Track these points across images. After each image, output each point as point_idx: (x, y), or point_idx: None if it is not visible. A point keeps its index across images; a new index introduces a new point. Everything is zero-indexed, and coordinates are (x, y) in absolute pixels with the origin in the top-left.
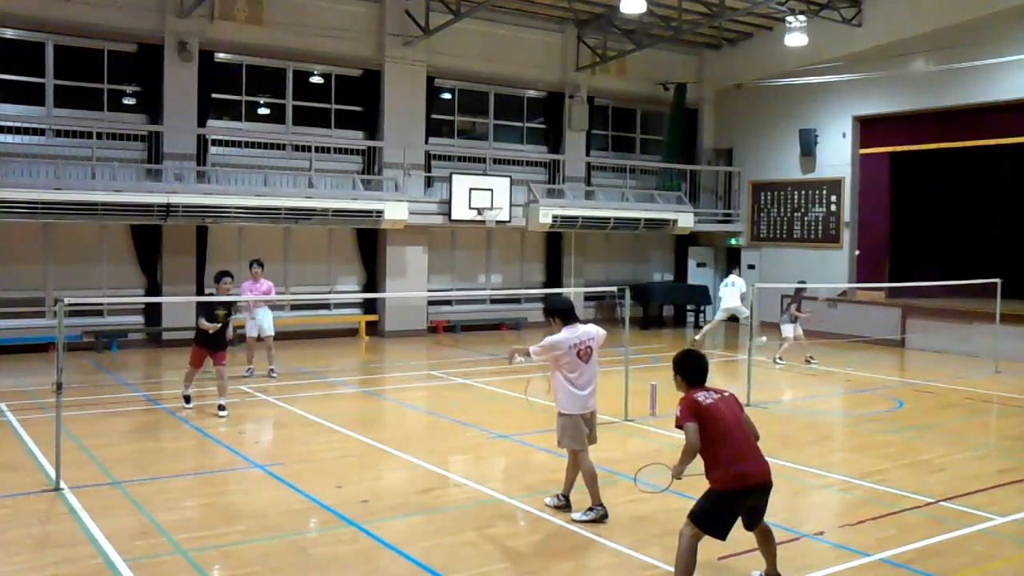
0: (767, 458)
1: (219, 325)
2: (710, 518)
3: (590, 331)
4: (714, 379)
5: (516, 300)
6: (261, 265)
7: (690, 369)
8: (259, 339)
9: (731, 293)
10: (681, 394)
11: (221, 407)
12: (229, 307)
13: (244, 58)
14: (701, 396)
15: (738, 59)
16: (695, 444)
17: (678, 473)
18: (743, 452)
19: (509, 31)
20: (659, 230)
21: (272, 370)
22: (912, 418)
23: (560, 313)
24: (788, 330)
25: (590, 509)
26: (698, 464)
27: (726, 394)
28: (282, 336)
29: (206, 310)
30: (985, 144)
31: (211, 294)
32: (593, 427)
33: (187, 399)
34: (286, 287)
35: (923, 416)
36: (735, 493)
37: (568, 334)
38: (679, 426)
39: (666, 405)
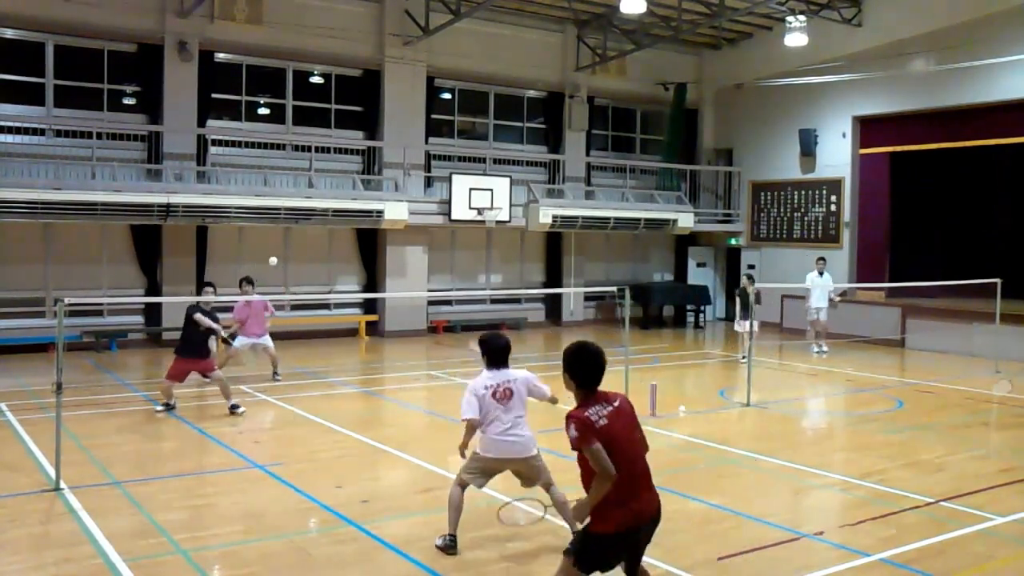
0: (766, 458)
1: (215, 327)
2: (596, 562)
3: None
4: (716, 379)
5: (516, 300)
6: (252, 283)
7: (582, 367)
8: (252, 348)
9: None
10: (571, 394)
11: (235, 406)
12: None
13: (244, 58)
14: (593, 415)
15: (738, 59)
16: (610, 468)
17: (582, 516)
18: (639, 484)
19: (509, 31)
20: (659, 230)
21: (276, 373)
22: (912, 418)
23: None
24: (745, 325)
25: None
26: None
27: (617, 403)
28: (282, 336)
29: (203, 312)
30: (985, 144)
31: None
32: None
33: (169, 407)
34: (286, 287)
35: (923, 416)
36: (627, 534)
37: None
38: (577, 448)
39: (666, 405)
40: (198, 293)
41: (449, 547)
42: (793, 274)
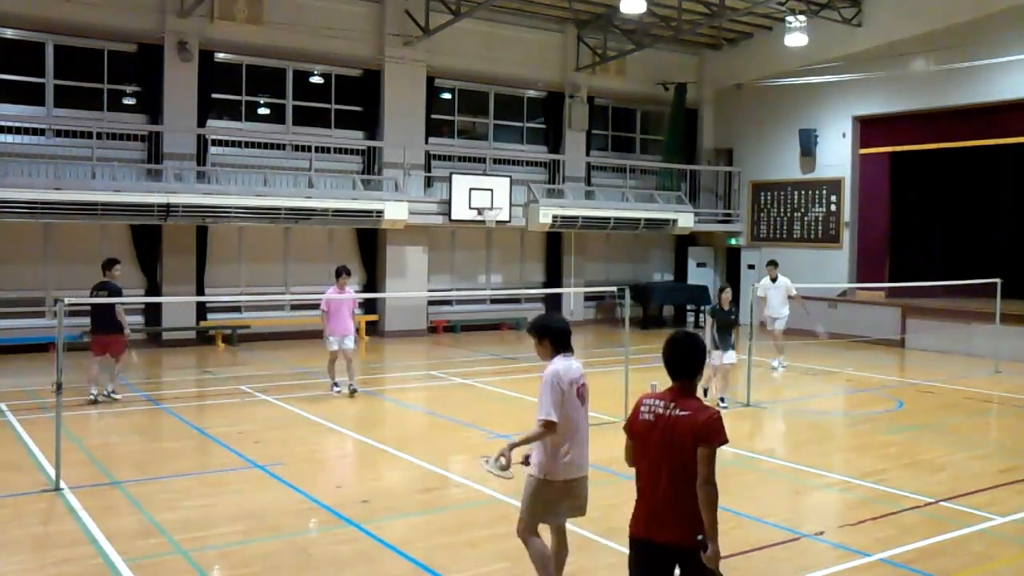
0: (766, 458)
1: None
2: None
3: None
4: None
5: (516, 300)
6: (350, 274)
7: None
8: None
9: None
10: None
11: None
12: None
13: (244, 58)
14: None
15: (738, 59)
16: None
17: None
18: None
19: (509, 31)
20: (659, 230)
21: (351, 385)
22: (912, 418)
23: (552, 335)
24: (719, 357)
25: None
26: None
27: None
28: (282, 336)
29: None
30: (985, 144)
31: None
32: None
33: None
34: (286, 287)
35: (923, 416)
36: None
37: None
38: (724, 442)
39: None
40: (199, 293)
41: None
42: (793, 275)
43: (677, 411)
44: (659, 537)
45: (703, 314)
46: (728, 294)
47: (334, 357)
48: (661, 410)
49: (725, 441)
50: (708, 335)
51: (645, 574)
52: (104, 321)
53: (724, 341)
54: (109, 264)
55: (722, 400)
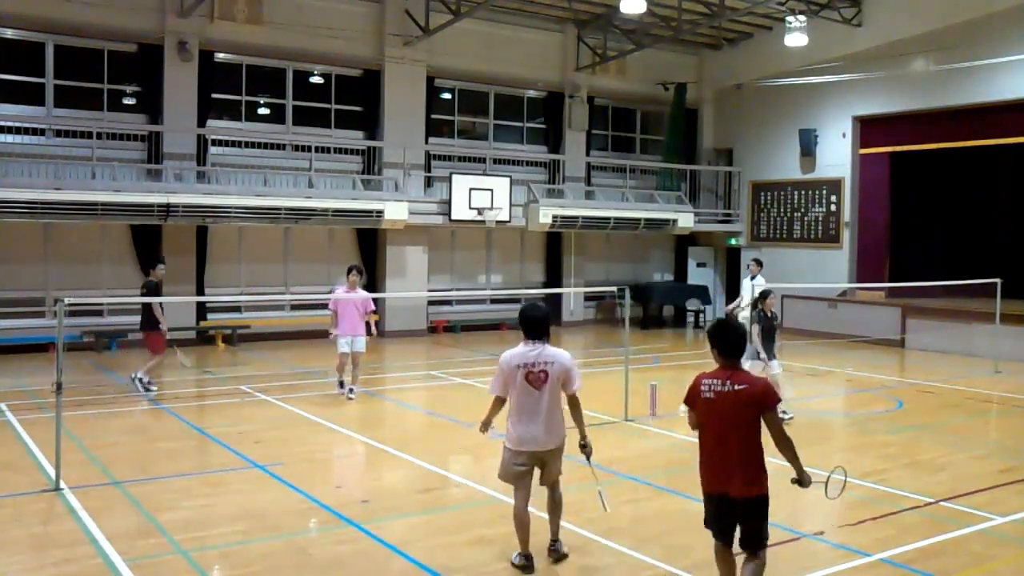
0: (766, 458)
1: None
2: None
3: (554, 354)
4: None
5: (516, 300)
6: (360, 273)
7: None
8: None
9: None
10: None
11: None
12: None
13: (244, 58)
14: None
15: (738, 59)
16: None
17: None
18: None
19: (509, 31)
20: (659, 230)
21: (351, 389)
22: (912, 418)
23: (521, 321)
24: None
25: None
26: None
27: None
28: (282, 336)
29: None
30: (985, 144)
31: (150, 280)
32: (547, 466)
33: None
34: (286, 287)
35: (923, 416)
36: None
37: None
38: (779, 400)
39: (666, 405)
40: (199, 293)
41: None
42: (793, 275)
43: (736, 386)
44: (731, 492)
45: (703, 315)
46: (772, 299)
47: (344, 360)
48: (720, 387)
49: (780, 399)
50: (755, 343)
51: (721, 521)
52: (143, 318)
53: (769, 349)
54: (152, 263)
55: (784, 412)
